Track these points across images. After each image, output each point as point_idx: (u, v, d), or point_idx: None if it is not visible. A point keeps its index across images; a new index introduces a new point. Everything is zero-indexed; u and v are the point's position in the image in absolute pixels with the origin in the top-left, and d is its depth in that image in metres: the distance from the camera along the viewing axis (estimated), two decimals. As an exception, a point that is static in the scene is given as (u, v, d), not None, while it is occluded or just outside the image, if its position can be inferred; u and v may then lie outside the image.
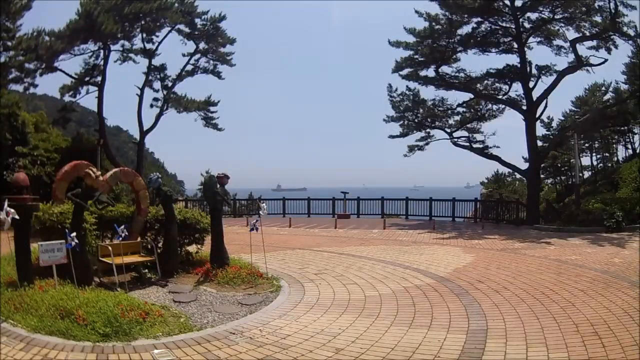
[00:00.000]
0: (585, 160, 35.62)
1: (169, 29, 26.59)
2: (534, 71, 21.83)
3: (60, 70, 24.32)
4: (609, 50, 20.99)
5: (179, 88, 42.10)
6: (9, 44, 21.87)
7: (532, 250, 12.15)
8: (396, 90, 24.31)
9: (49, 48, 22.26)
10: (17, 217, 6.22)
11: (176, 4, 25.69)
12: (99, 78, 25.67)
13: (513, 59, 22.27)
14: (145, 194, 9.41)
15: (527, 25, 21.29)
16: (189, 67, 28.25)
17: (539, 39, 22.00)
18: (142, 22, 25.16)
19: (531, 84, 21.73)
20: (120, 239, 7.90)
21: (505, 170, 32.37)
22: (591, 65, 21.12)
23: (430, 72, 23.24)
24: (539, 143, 24.88)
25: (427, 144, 25.16)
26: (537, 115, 22.11)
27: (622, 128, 30.48)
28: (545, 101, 21.63)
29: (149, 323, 5.60)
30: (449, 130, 24.60)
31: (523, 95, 22.16)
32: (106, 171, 11.90)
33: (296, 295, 7.40)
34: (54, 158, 21.35)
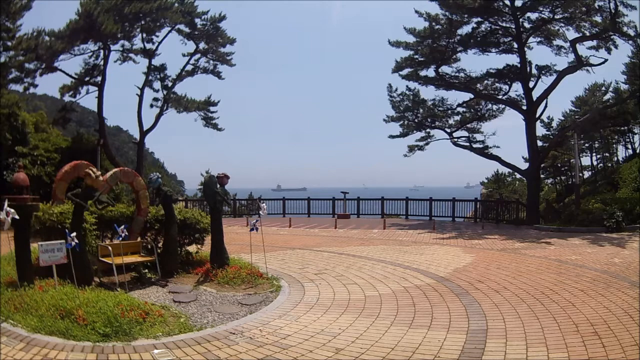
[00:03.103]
0: (585, 160, 35.67)
1: (169, 29, 26.62)
2: (534, 71, 21.89)
3: (60, 70, 24.32)
4: (609, 50, 21.03)
5: (179, 88, 42.33)
6: (9, 44, 21.84)
7: (532, 250, 12.15)
8: (396, 90, 24.37)
9: (49, 48, 22.25)
10: (17, 217, 6.22)
11: (176, 4, 25.67)
12: (99, 78, 25.65)
13: (513, 59, 22.38)
14: (145, 194, 9.42)
15: (527, 25, 21.33)
16: (189, 67, 28.29)
17: (539, 39, 22.05)
18: (142, 22, 25.15)
19: (531, 84, 21.77)
20: (120, 239, 7.92)
21: (505, 170, 32.52)
22: (591, 65, 21.14)
23: (430, 72, 23.35)
24: (539, 143, 24.93)
25: (427, 144, 25.21)
26: (537, 115, 22.15)
27: (622, 128, 30.46)
28: (545, 101, 21.70)
29: (149, 323, 5.61)
30: (449, 130, 24.66)
31: (523, 95, 22.21)
32: (106, 171, 11.91)
33: (296, 295, 7.40)
34: (54, 158, 21.36)
